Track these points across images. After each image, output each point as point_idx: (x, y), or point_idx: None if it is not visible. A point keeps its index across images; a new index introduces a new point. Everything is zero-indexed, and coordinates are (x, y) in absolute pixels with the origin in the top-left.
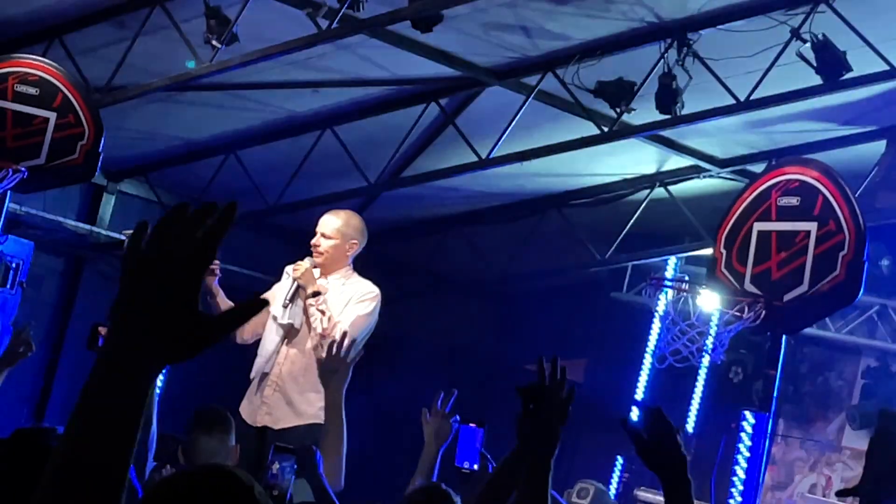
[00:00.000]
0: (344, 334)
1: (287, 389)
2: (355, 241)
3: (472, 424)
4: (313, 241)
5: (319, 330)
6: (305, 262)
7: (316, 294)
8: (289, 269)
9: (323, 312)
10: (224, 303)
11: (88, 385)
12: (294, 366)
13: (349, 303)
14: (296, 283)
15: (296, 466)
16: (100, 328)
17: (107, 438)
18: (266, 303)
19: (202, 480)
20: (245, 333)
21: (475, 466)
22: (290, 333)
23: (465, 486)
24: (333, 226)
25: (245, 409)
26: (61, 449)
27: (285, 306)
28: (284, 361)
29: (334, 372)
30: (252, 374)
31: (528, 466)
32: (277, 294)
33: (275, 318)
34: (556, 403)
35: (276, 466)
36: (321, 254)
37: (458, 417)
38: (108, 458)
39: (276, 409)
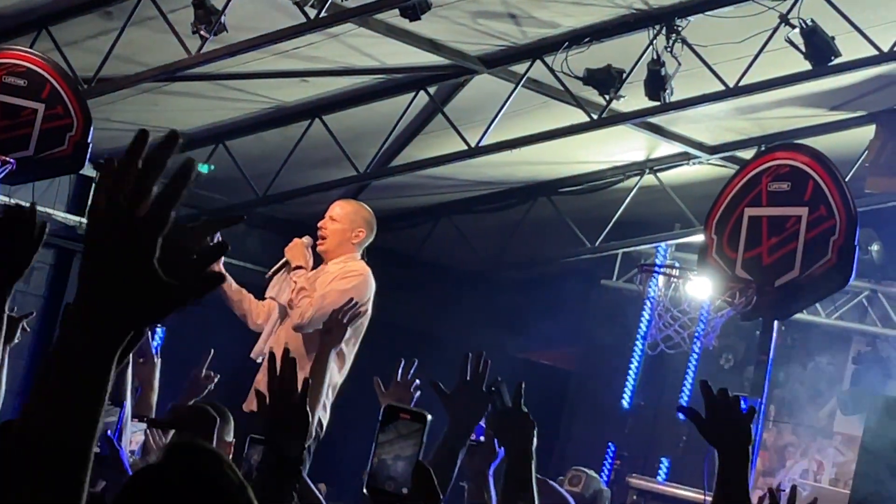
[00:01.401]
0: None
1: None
2: (362, 230)
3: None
4: (320, 224)
5: (287, 301)
6: (303, 239)
7: (298, 268)
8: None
9: (302, 288)
10: (231, 290)
11: (52, 353)
12: (285, 345)
13: (334, 279)
14: (284, 258)
15: None
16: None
17: (71, 410)
18: (221, 279)
19: (174, 459)
20: (258, 318)
21: (482, 438)
22: (283, 312)
23: (472, 458)
24: (342, 212)
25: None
26: (23, 422)
27: (269, 277)
28: (276, 342)
29: (327, 331)
30: (252, 355)
31: (508, 461)
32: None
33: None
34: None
35: (254, 457)
36: (325, 237)
37: (417, 383)
38: (71, 432)
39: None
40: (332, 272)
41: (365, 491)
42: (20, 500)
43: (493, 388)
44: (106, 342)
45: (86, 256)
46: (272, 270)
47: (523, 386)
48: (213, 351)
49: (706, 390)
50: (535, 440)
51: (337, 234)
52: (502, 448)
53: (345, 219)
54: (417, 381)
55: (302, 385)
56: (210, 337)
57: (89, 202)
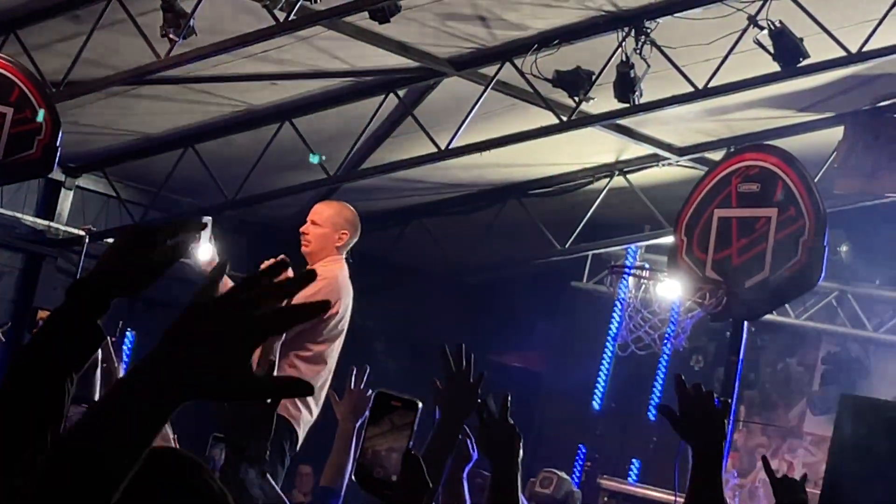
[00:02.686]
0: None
1: None
2: (345, 232)
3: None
4: (302, 229)
5: None
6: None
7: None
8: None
9: None
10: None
11: (120, 388)
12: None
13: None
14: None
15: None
16: (39, 311)
17: (123, 442)
18: (311, 390)
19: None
20: None
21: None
22: None
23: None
24: (324, 214)
25: None
26: (74, 438)
27: None
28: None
29: (356, 409)
30: None
31: (493, 474)
32: None
33: None
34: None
35: (217, 455)
36: (308, 241)
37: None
38: (117, 461)
39: None
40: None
41: (353, 478)
42: None
43: (480, 400)
44: (172, 405)
45: (189, 329)
46: None
47: (510, 398)
48: None
49: (680, 385)
50: (521, 452)
51: (319, 238)
52: (475, 451)
53: (327, 222)
54: (370, 392)
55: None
56: None
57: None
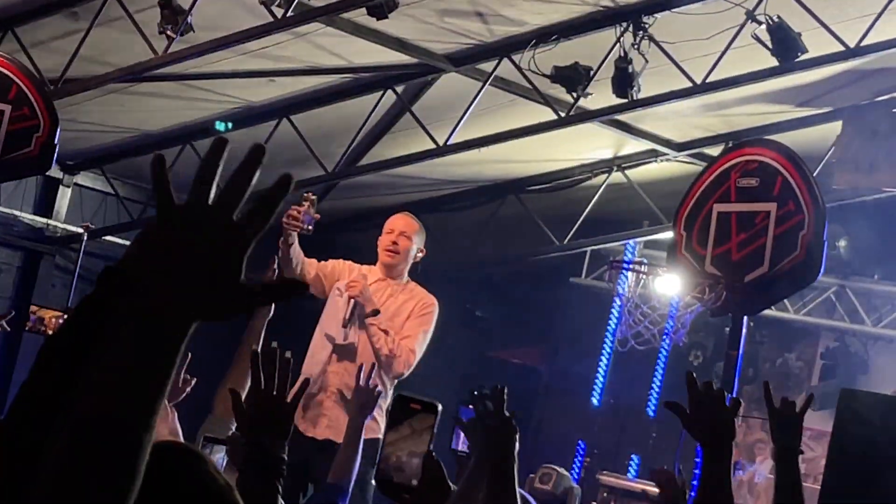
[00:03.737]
0: (372, 366)
1: (347, 403)
2: (423, 251)
3: (470, 407)
4: (391, 239)
5: (385, 351)
6: (363, 271)
7: (376, 312)
8: (340, 286)
9: (386, 332)
10: (297, 258)
11: (114, 339)
12: (352, 379)
13: (411, 315)
14: (353, 302)
15: (227, 458)
16: (32, 307)
17: (135, 397)
18: (305, 288)
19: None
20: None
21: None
22: (342, 347)
23: (461, 469)
24: (414, 228)
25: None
26: (82, 409)
27: (345, 326)
28: (342, 374)
29: (364, 406)
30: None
31: (490, 473)
32: (329, 312)
33: (332, 339)
34: (505, 423)
35: (214, 457)
36: (398, 253)
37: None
38: (133, 419)
39: (337, 422)
40: (407, 306)
41: (373, 482)
42: (76, 485)
43: (475, 393)
44: (178, 331)
45: (165, 248)
46: (346, 317)
47: (506, 391)
48: (189, 354)
49: (691, 383)
50: (517, 445)
51: (406, 253)
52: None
53: (415, 237)
54: (379, 387)
55: (300, 385)
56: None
57: (161, 196)
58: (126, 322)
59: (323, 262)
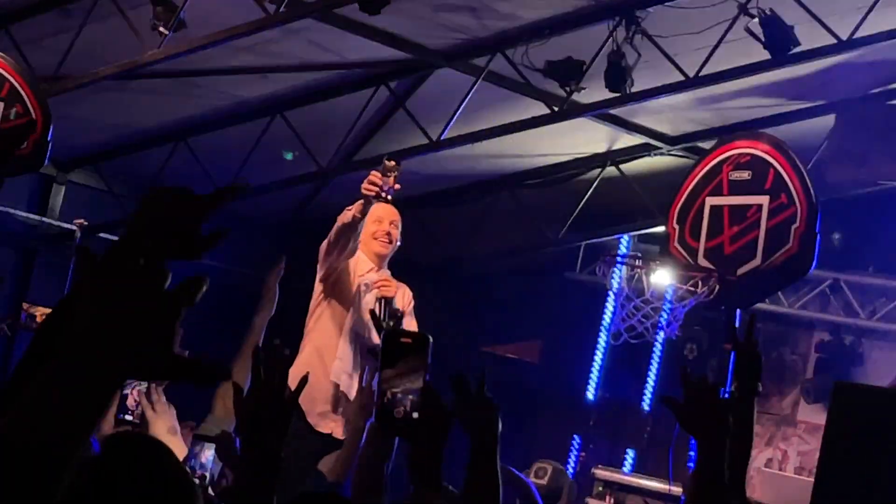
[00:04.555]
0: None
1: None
2: (399, 243)
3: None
4: (384, 229)
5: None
6: (389, 279)
7: (399, 315)
8: (367, 281)
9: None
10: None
11: (52, 371)
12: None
13: (407, 316)
14: (383, 301)
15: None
16: (24, 304)
17: (68, 425)
18: (228, 376)
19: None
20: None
21: None
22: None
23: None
24: (399, 218)
25: (309, 408)
26: (10, 427)
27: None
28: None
29: (364, 407)
30: (332, 378)
31: (472, 448)
32: (357, 308)
33: (361, 338)
34: (488, 406)
35: (204, 454)
36: (391, 242)
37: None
38: (63, 444)
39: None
40: (403, 297)
41: (374, 419)
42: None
43: (455, 376)
44: (104, 386)
45: (101, 306)
46: (385, 320)
47: (485, 372)
48: (186, 353)
49: (685, 378)
50: (499, 425)
51: (397, 242)
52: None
53: (399, 226)
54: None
55: (300, 382)
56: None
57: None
58: (61, 359)
59: None
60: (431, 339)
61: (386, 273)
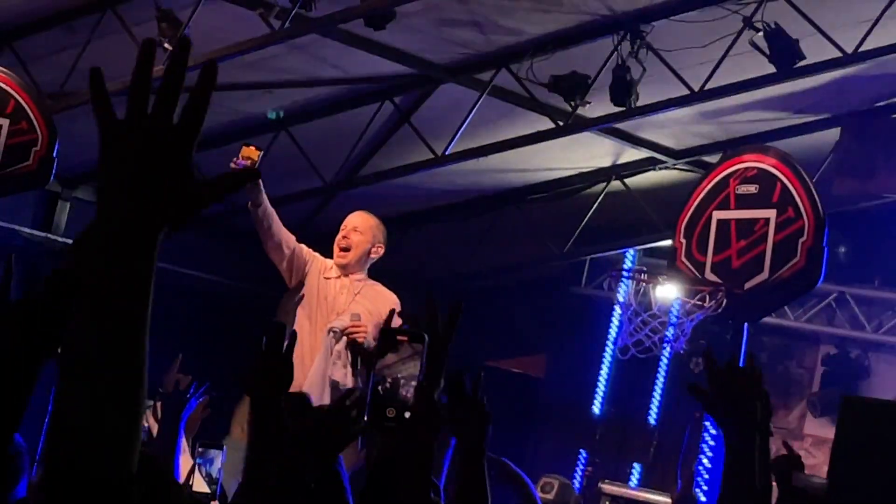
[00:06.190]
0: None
1: None
2: (381, 247)
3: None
4: (344, 234)
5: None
6: (327, 264)
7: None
8: (336, 327)
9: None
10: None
11: (90, 261)
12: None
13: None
14: (356, 348)
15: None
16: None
17: (120, 322)
18: (257, 175)
19: None
20: (280, 248)
21: None
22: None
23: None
24: (368, 223)
25: None
26: (75, 345)
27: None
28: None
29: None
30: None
31: (460, 454)
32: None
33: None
34: (480, 410)
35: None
36: (349, 247)
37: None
38: (122, 344)
39: None
40: (374, 303)
41: (366, 418)
42: (80, 422)
43: (452, 375)
44: (147, 240)
45: (115, 164)
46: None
47: (482, 375)
48: (181, 355)
49: (708, 363)
50: (489, 434)
51: (360, 247)
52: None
53: (368, 231)
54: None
55: (290, 337)
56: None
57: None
58: (95, 253)
59: (298, 243)
60: (428, 339)
61: (361, 279)
